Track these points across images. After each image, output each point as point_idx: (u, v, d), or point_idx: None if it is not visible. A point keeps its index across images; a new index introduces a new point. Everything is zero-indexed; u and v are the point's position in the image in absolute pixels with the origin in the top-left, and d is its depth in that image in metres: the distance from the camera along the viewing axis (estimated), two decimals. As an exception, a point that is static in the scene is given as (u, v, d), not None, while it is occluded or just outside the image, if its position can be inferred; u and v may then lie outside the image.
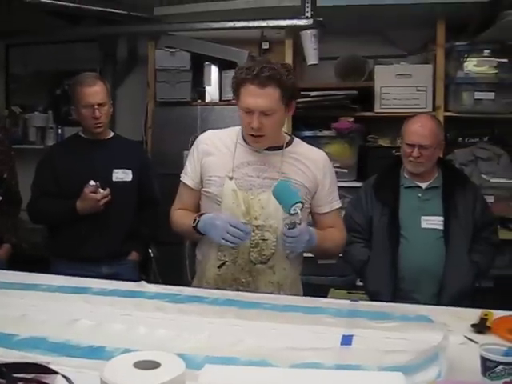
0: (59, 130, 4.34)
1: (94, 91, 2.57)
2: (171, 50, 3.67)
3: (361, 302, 1.77)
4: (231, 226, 1.86)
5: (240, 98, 1.94)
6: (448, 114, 3.34)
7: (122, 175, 2.67)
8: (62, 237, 2.68)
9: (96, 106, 2.56)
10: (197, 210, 2.12)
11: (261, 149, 2.01)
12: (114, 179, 2.65)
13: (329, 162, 2.13)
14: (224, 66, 3.67)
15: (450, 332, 1.44)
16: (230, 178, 1.99)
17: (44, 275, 2.07)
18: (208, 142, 2.10)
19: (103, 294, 1.83)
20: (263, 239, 1.97)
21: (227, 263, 2.00)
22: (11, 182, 2.73)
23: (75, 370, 1.13)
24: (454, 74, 3.27)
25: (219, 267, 2.00)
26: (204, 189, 2.08)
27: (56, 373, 1.04)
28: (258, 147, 2.01)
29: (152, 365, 0.93)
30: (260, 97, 1.87)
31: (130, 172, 2.69)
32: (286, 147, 2.05)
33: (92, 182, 2.53)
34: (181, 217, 2.13)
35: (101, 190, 2.54)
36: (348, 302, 1.76)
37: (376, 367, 1.21)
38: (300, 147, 2.10)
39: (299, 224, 1.84)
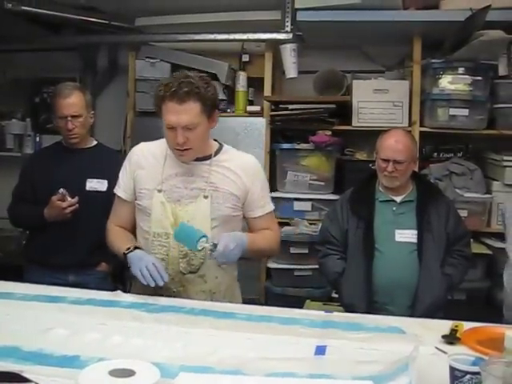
0: (37, 138, 4.32)
1: (69, 103, 2.57)
2: (152, 60, 3.69)
3: (335, 313, 1.79)
4: (153, 265, 1.89)
5: (163, 115, 1.96)
6: (423, 129, 3.39)
7: (96, 185, 2.66)
8: (34, 243, 2.70)
9: (69, 118, 2.57)
10: (132, 224, 2.15)
11: (188, 161, 2.04)
12: (87, 188, 2.64)
13: (259, 167, 2.16)
14: (204, 77, 3.68)
15: (421, 343, 1.47)
16: (159, 191, 2.03)
17: (19, 284, 2.06)
18: (139, 153, 2.13)
19: (79, 303, 1.83)
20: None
21: None
22: None
23: (49, 378, 1.13)
24: (430, 90, 3.33)
25: None
26: (136, 201, 2.11)
27: (29, 381, 1.03)
28: (185, 160, 2.03)
29: (127, 373, 0.93)
30: (181, 113, 1.90)
31: (105, 182, 2.66)
32: (215, 155, 2.08)
33: (61, 190, 2.53)
34: (117, 237, 2.14)
35: (69, 199, 2.53)
36: (322, 313, 1.78)
37: (349, 377, 1.23)
38: (228, 155, 2.12)
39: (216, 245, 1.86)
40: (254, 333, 1.57)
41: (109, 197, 2.67)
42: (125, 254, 2.00)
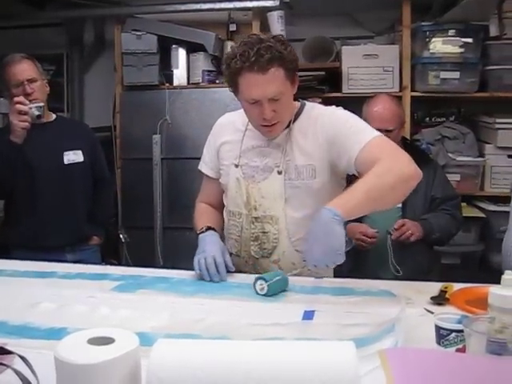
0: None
1: (23, 68, 2.47)
2: (138, 33, 3.62)
3: (325, 279, 1.78)
4: (214, 260, 1.74)
5: (240, 90, 1.72)
6: (415, 93, 3.36)
7: (73, 157, 2.59)
8: (20, 226, 2.55)
9: (25, 82, 2.45)
10: (221, 200, 2.00)
11: (276, 136, 1.83)
12: (65, 162, 2.57)
13: (339, 115, 1.80)
14: (192, 48, 3.62)
15: (411, 304, 1.47)
16: (236, 166, 1.87)
17: (9, 261, 2.05)
18: (221, 126, 1.99)
19: (68, 278, 1.83)
20: (263, 232, 1.82)
21: (233, 255, 1.88)
22: None
23: (34, 350, 1.12)
24: (420, 54, 3.29)
25: None
26: (220, 179, 1.97)
27: (11, 353, 1.03)
28: (273, 135, 1.82)
29: (106, 341, 0.93)
30: (265, 83, 1.65)
31: (80, 152, 2.61)
32: (295, 120, 1.83)
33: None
34: (198, 214, 2.02)
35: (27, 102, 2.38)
36: (312, 279, 1.77)
37: (335, 340, 1.23)
38: (308, 114, 1.83)
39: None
40: (243, 300, 1.57)
41: (87, 167, 2.64)
42: (197, 234, 1.87)
